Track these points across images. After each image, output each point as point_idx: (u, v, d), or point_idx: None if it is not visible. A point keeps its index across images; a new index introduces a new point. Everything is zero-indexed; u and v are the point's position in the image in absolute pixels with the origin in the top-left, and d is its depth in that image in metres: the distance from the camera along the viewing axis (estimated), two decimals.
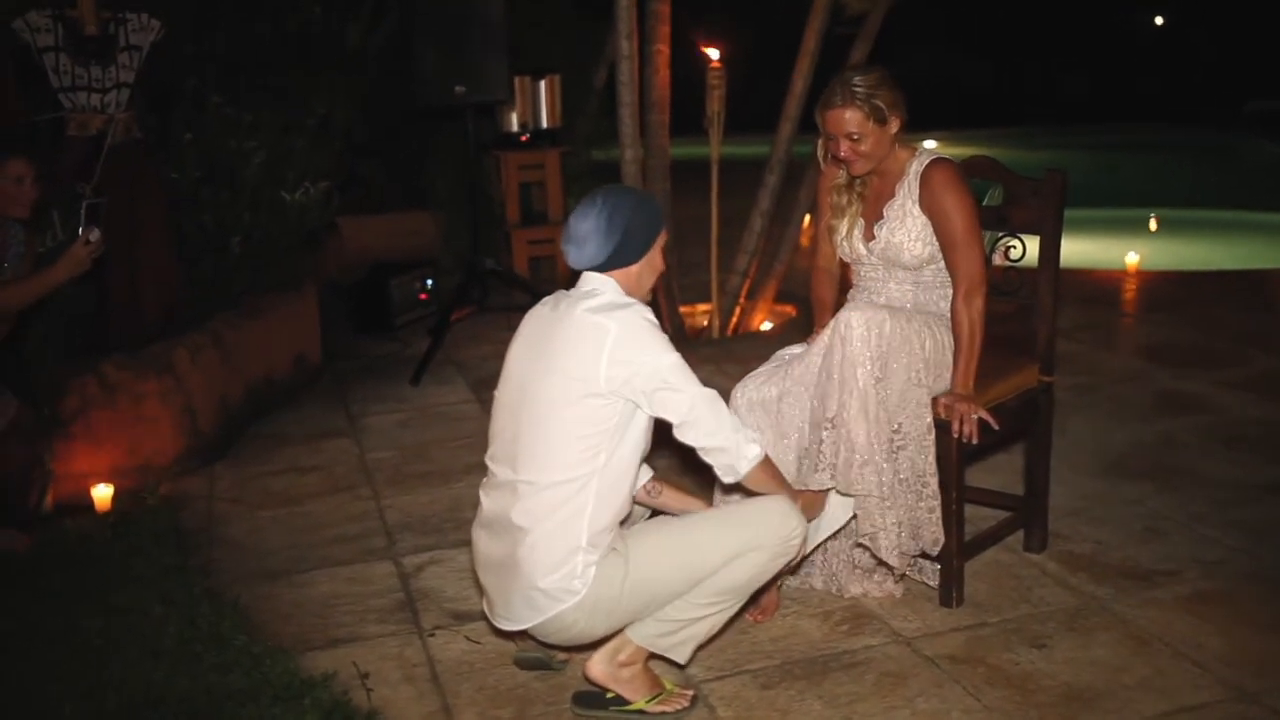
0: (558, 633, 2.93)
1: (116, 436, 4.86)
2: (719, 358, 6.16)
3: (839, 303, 3.68)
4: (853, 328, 3.22)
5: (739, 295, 7.00)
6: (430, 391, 5.92)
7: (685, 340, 6.74)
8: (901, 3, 7.20)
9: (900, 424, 3.31)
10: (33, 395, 4.64)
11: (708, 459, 2.96)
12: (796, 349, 3.62)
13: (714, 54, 6.59)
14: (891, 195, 3.49)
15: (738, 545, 2.91)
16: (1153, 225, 11.92)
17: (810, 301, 3.92)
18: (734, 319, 7.05)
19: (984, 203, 3.75)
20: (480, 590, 3.15)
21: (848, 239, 3.59)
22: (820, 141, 3.56)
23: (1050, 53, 25.36)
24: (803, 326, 6.93)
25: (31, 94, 5.16)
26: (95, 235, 4.13)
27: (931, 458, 3.36)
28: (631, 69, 6.27)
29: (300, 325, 6.19)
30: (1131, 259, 8.23)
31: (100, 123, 5.05)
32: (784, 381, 3.46)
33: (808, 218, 7.03)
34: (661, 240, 3.01)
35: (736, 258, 6.93)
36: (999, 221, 3.73)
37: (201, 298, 5.50)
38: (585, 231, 2.91)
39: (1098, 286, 7.85)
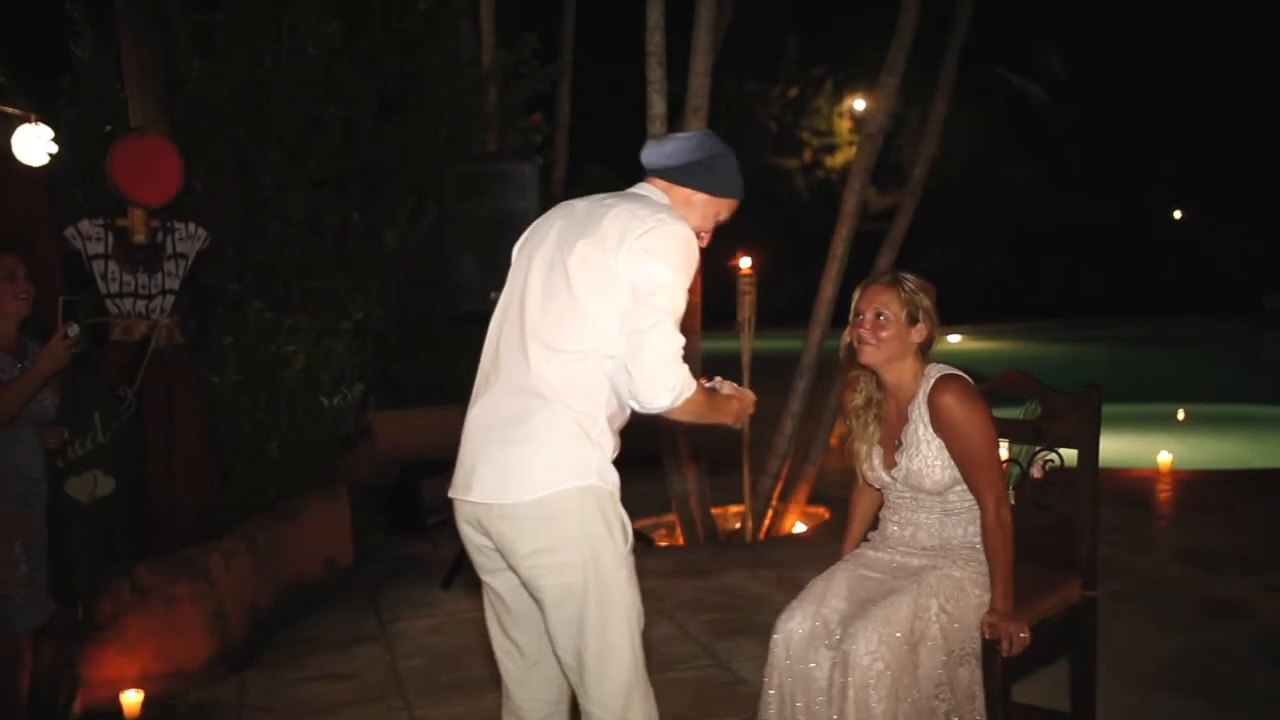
0: (531, 534, 2.69)
1: (148, 641, 4.83)
2: (752, 562, 6.12)
3: (876, 514, 3.68)
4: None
5: (771, 498, 7.00)
6: (462, 595, 5.86)
7: (717, 543, 6.71)
8: (923, 203, 7.38)
9: (939, 690, 3.27)
10: (69, 598, 4.64)
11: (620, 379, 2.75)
12: (830, 577, 3.58)
13: (745, 262, 6.72)
14: (906, 420, 3.46)
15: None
16: (1180, 416, 11.93)
17: (850, 512, 3.89)
18: (766, 521, 7.02)
19: (1021, 416, 3.77)
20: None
21: (870, 465, 3.57)
22: (844, 341, 3.56)
23: (1068, 248, 25.75)
24: (836, 530, 6.91)
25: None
26: (74, 330, 4.08)
27: (978, 679, 3.31)
28: None
29: (332, 528, 6.19)
30: (1164, 458, 8.20)
31: (144, 328, 5.15)
32: (813, 621, 3.41)
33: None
34: (726, 208, 2.96)
35: (768, 460, 6.95)
36: (1036, 435, 3.73)
37: (237, 501, 5.51)
38: (672, 139, 2.93)
39: (1130, 487, 7.80)
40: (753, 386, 6.68)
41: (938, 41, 7.38)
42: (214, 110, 7.44)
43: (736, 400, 3.05)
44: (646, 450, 8.19)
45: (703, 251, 2.83)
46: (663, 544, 7.00)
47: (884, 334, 3.39)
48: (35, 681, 4.25)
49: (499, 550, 2.77)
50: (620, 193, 2.93)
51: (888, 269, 3.48)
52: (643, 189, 2.92)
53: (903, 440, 3.45)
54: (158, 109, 5.96)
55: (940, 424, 3.35)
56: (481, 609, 2.98)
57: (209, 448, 5.39)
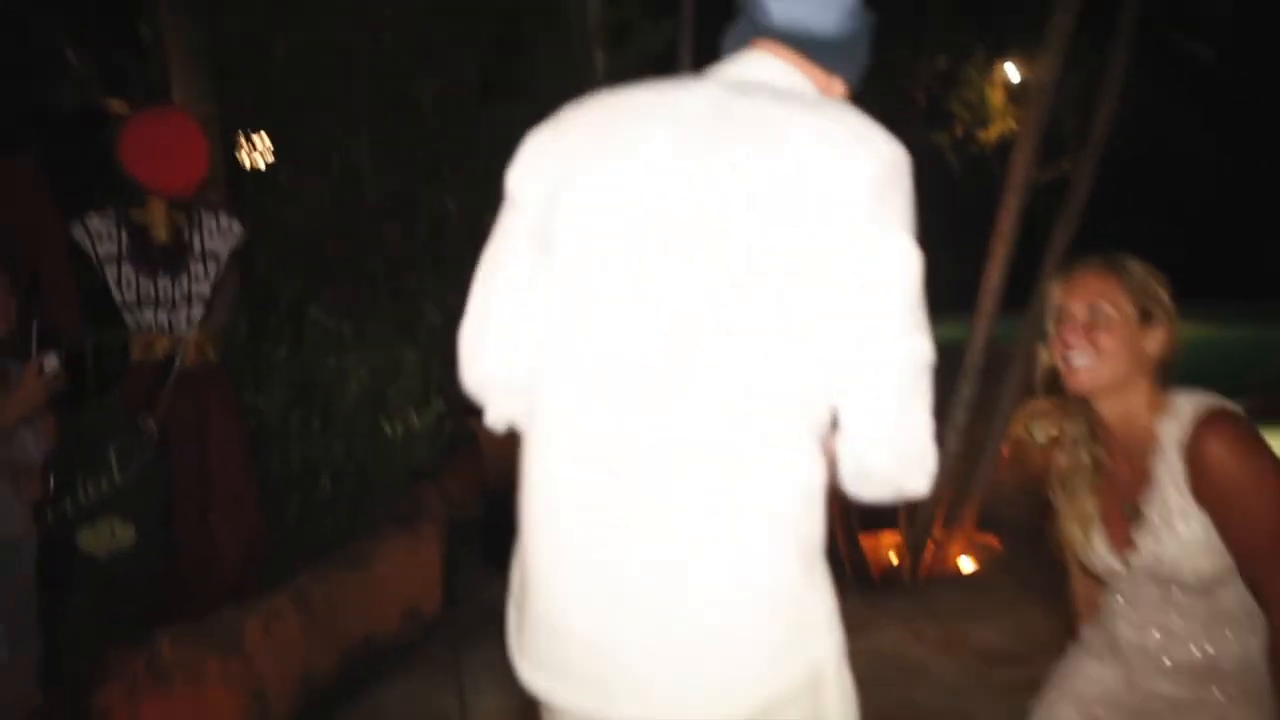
0: None
1: None
2: (912, 612, 5.00)
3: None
4: None
5: (931, 526, 5.83)
6: None
7: (870, 581, 5.60)
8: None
9: None
10: (66, 683, 3.78)
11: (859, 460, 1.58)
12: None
13: None
14: (1146, 479, 2.27)
15: None
16: None
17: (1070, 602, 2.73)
18: (926, 555, 5.87)
19: None
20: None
21: (1089, 547, 2.41)
22: (1043, 362, 2.42)
23: (1247, 220, 23.91)
24: (1010, 566, 5.75)
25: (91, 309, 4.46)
26: (52, 364, 3.23)
27: None
28: None
29: (413, 571, 5.23)
30: None
31: (168, 344, 4.26)
32: None
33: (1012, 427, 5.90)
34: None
35: None
36: None
37: (286, 548, 4.59)
38: None
39: None
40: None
41: None
42: (299, 94, 6.67)
43: None
44: None
45: None
46: None
47: (1104, 340, 2.25)
48: None
49: None
50: (741, 83, 1.66)
51: (1101, 255, 2.28)
52: (774, 70, 1.68)
53: (1145, 512, 2.27)
54: (201, 87, 5.17)
55: (1208, 488, 2.17)
56: None
57: (251, 485, 4.47)
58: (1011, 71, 26.23)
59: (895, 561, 5.97)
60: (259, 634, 4.15)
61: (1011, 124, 27.42)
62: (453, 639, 5.19)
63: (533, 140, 1.69)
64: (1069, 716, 2.40)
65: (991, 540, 6.15)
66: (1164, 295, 2.30)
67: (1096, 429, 2.39)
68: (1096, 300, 2.27)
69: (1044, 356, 2.41)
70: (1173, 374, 2.32)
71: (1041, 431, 2.50)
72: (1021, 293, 5.87)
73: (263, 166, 7.19)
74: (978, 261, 5.97)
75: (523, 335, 1.65)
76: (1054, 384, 2.38)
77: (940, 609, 5.02)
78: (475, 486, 6.55)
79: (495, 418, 1.77)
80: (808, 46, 1.69)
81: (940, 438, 5.09)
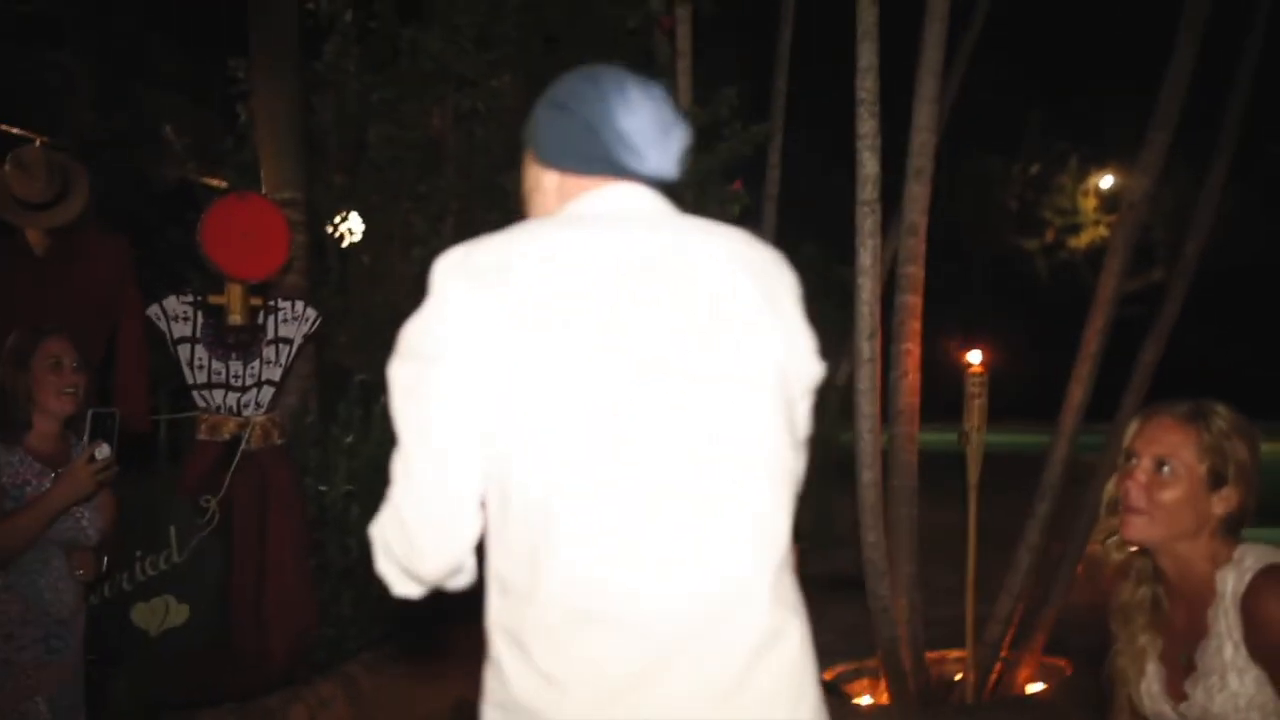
0: None
1: None
2: None
3: None
4: None
5: (1000, 646, 5.69)
6: None
7: (931, 701, 5.46)
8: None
9: None
10: None
11: None
12: None
13: (975, 357, 5.50)
14: (1203, 631, 2.18)
15: None
16: None
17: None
18: (994, 676, 5.72)
19: None
20: None
21: (1143, 691, 2.31)
22: (1108, 492, 2.36)
23: None
24: (1081, 690, 5.58)
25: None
26: (104, 451, 3.21)
27: None
28: (873, 374, 5.21)
29: (466, 662, 5.20)
30: None
31: (235, 426, 4.32)
32: None
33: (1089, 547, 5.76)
34: None
35: (998, 600, 5.66)
36: None
37: (338, 636, 4.59)
38: (671, 120, 1.76)
39: None
40: (981, 507, 5.64)
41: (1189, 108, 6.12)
42: (387, 177, 6.79)
43: None
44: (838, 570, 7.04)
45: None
46: (861, 700, 5.77)
47: (1165, 496, 2.16)
48: None
49: None
50: (659, 216, 1.77)
51: (1191, 400, 2.20)
52: (661, 204, 1.79)
53: (1199, 663, 2.18)
54: (290, 172, 5.28)
55: (1263, 644, 2.08)
56: None
57: (308, 571, 4.49)
58: (1105, 181, 25.98)
59: (959, 679, 5.83)
60: None
61: (1103, 231, 27.05)
62: None
63: (464, 296, 1.60)
64: None
65: (1062, 664, 5.99)
66: (1244, 453, 2.18)
67: (1159, 573, 2.31)
68: (1166, 455, 2.18)
69: (1110, 488, 2.34)
70: (1242, 529, 2.23)
71: (1119, 551, 2.42)
72: (1107, 404, 5.77)
73: (347, 246, 7.31)
74: (1061, 367, 5.90)
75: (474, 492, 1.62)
76: (1114, 513, 2.31)
77: None
78: None
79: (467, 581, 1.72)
80: (663, 184, 1.78)
81: (1013, 556, 4.97)
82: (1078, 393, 5.64)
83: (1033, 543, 5.63)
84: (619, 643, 1.54)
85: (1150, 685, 2.26)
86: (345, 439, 4.87)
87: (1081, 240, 26.52)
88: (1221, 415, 2.17)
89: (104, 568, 3.62)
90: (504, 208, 6.99)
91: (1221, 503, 2.16)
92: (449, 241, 6.31)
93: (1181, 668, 2.21)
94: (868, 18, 5.05)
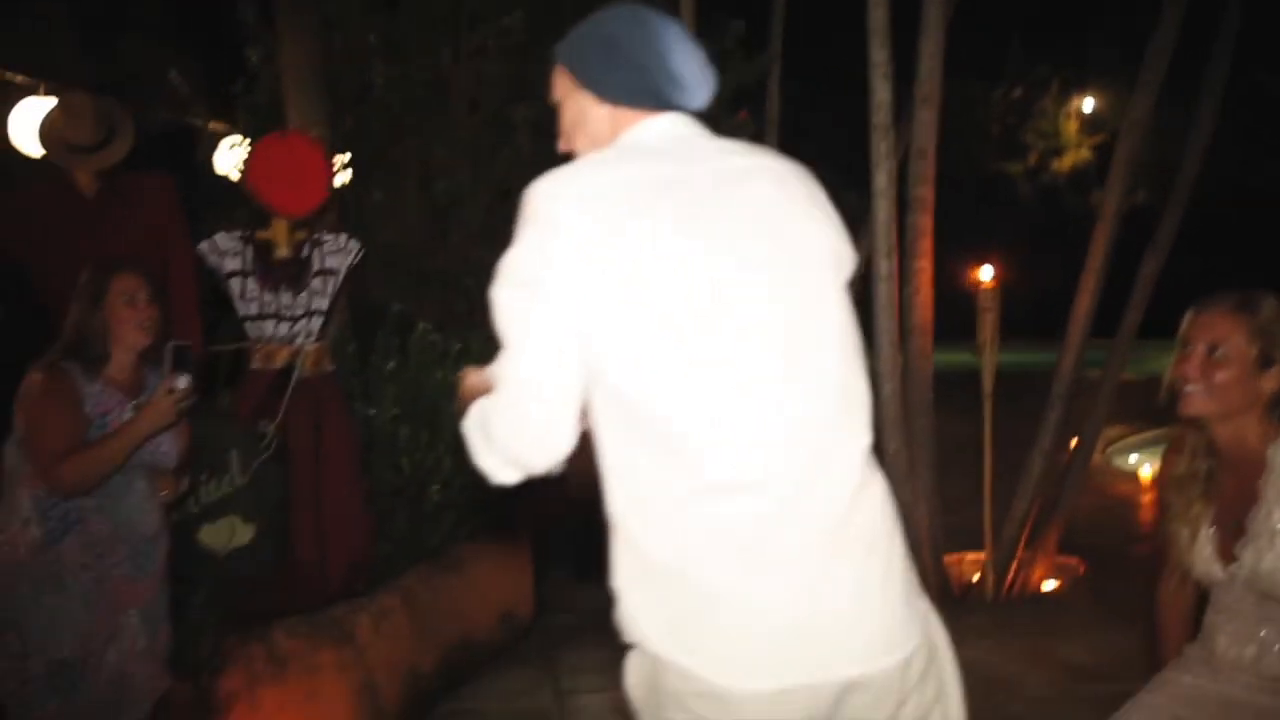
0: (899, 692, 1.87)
1: (285, 717, 4.15)
2: (997, 628, 5.11)
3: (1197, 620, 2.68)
4: None
5: (1016, 547, 5.95)
6: None
7: (953, 601, 5.72)
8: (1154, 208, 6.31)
9: None
10: (192, 671, 4.01)
11: None
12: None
13: (987, 273, 5.72)
14: (1254, 498, 2.45)
15: None
16: None
17: (1155, 610, 2.88)
18: (1010, 575, 5.99)
19: None
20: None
21: (1195, 554, 2.57)
22: (1166, 379, 2.59)
23: None
24: (1094, 587, 5.86)
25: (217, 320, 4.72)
26: (183, 382, 3.40)
27: None
28: (890, 291, 5.43)
29: (508, 577, 5.45)
30: None
31: (288, 354, 4.51)
32: None
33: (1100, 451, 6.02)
34: None
35: (1013, 503, 5.91)
36: None
37: (395, 551, 4.81)
38: (704, 59, 2.04)
39: None
40: (998, 414, 5.87)
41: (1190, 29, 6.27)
42: (396, 115, 6.92)
43: None
44: None
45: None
46: None
47: (1219, 376, 2.43)
48: None
49: None
50: (709, 148, 2.00)
51: (1236, 292, 2.45)
52: (697, 129, 2.02)
53: (1247, 526, 2.44)
54: (317, 111, 5.43)
55: None
56: None
57: (362, 490, 4.69)
58: (1087, 104, 26.00)
59: (977, 580, 6.09)
60: (369, 629, 4.38)
61: (1085, 154, 27.07)
62: (545, 643, 5.39)
63: (615, 205, 1.81)
64: (1155, 711, 2.55)
65: (1074, 562, 6.26)
66: None
67: (1214, 449, 2.55)
68: (1218, 340, 2.44)
69: (1167, 375, 2.58)
70: None
71: (1123, 459, 2.65)
72: (1106, 322, 6.00)
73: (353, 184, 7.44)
74: (1049, 286, 6.10)
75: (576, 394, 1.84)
76: (1173, 399, 2.55)
77: (1026, 626, 5.14)
78: (559, 499, 6.75)
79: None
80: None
81: (1026, 461, 5.24)
82: (1085, 302, 5.86)
83: (1044, 448, 5.88)
84: (740, 506, 1.78)
85: (1202, 549, 2.51)
86: (387, 366, 5.05)
87: (1064, 163, 26.62)
88: (1268, 303, 2.44)
89: (184, 488, 3.83)
90: (511, 141, 7.15)
91: (1271, 381, 2.42)
92: (468, 174, 6.48)
93: (1231, 533, 2.47)
94: None
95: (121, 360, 3.51)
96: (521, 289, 1.80)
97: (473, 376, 2.00)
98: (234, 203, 5.36)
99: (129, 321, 3.48)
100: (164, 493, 3.68)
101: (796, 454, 1.82)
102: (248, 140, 6.51)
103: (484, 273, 5.71)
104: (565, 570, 6.31)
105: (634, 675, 1.92)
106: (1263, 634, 2.48)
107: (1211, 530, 2.54)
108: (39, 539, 3.35)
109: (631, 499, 1.84)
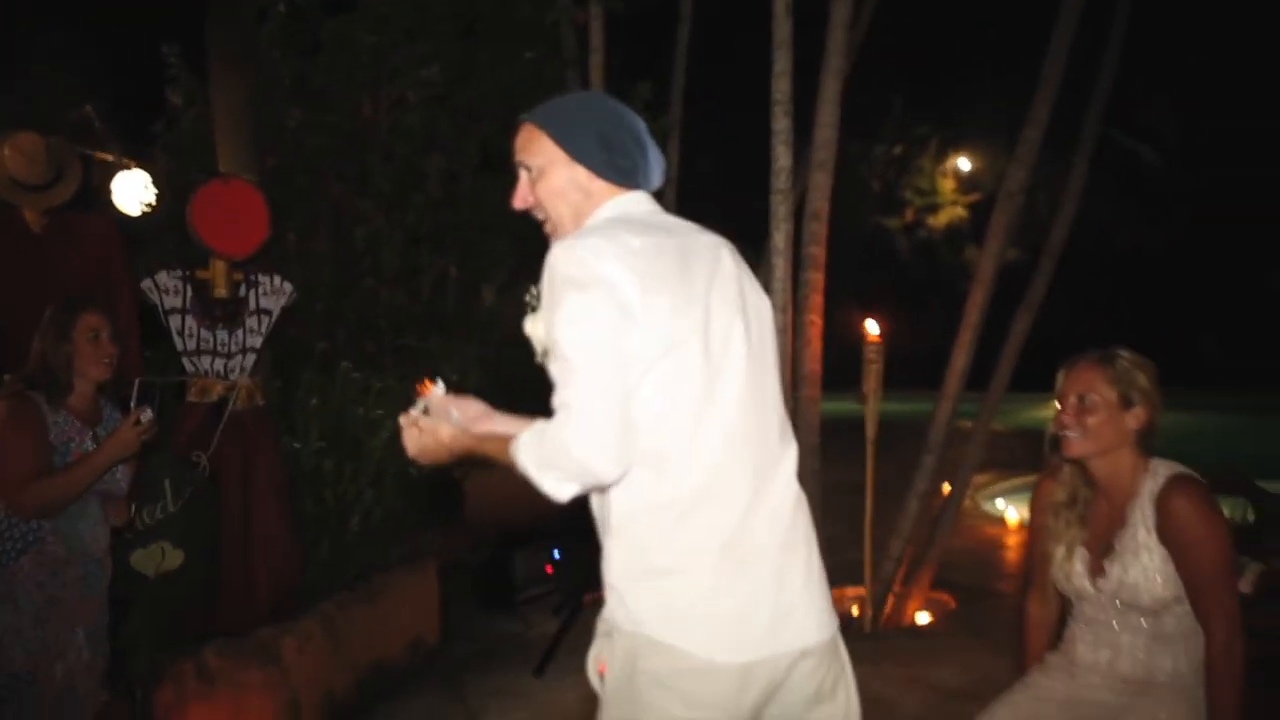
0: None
1: None
2: (875, 656, 5.53)
3: (1057, 634, 3.12)
4: None
5: (893, 583, 6.41)
6: (555, 685, 5.32)
7: None
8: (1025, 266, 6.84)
9: None
10: (128, 686, 4.23)
11: None
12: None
13: (873, 328, 6.18)
14: (1122, 523, 2.91)
15: None
16: None
17: (1022, 625, 3.31)
18: (887, 609, 6.43)
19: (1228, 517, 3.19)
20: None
21: (1067, 572, 3.02)
22: (1049, 432, 3.04)
23: (1183, 314, 24.86)
24: (965, 621, 6.32)
25: (154, 355, 4.94)
26: (147, 416, 3.66)
27: None
28: (785, 343, 5.84)
29: (418, 605, 5.74)
30: None
31: (222, 389, 4.77)
32: None
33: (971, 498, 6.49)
34: None
35: (890, 542, 6.37)
36: (1248, 543, 3.15)
37: (316, 579, 5.07)
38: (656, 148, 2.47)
39: None
40: (878, 459, 6.30)
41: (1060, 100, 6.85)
42: (311, 160, 7.17)
43: None
44: None
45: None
46: None
47: (1090, 420, 2.90)
48: None
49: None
50: (683, 225, 2.43)
51: (1099, 349, 2.93)
52: (656, 206, 2.46)
53: (1116, 546, 2.90)
54: (248, 156, 5.66)
55: (1171, 533, 2.81)
56: (576, 705, 2.42)
57: (287, 520, 4.95)
58: (963, 163, 26.94)
59: (856, 613, 6.52)
60: (295, 651, 4.63)
61: (960, 211, 27.99)
62: (451, 667, 5.67)
63: (647, 269, 2.20)
64: (1017, 707, 2.98)
65: (947, 599, 6.72)
66: (1144, 381, 2.91)
67: (1090, 480, 3.01)
68: (1085, 390, 2.91)
69: (1050, 427, 3.04)
70: (1154, 441, 2.93)
71: (990, 504, 3.11)
72: (975, 375, 6.49)
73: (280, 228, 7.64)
74: (922, 338, 6.56)
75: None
76: (1055, 448, 3.01)
77: (901, 654, 5.56)
78: (461, 533, 7.06)
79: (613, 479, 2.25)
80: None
81: (904, 505, 5.67)
82: (960, 358, 6.34)
83: (920, 490, 6.34)
84: (718, 513, 2.22)
85: (1074, 566, 2.97)
86: (311, 401, 5.32)
87: (940, 219, 27.61)
88: (1124, 355, 2.92)
89: (132, 513, 4.07)
90: (423, 189, 7.44)
91: (1133, 419, 2.88)
92: (378, 218, 6.72)
93: (1100, 553, 2.93)
94: (783, 29, 5.66)
95: (83, 392, 3.74)
96: (587, 327, 2.13)
97: (455, 433, 2.36)
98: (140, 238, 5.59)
99: (91, 357, 3.71)
100: (116, 519, 3.91)
101: (757, 468, 2.26)
102: (169, 179, 6.73)
103: (396, 314, 6.02)
104: (465, 601, 6.60)
105: (609, 662, 2.26)
106: (1119, 639, 2.93)
107: (1083, 550, 2.98)
108: None
109: (632, 510, 2.22)
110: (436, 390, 2.48)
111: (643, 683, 2.19)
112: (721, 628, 2.18)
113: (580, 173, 2.36)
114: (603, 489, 2.24)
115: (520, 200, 2.43)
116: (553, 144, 2.37)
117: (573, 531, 7.15)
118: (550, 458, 2.14)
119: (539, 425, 2.19)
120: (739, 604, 2.19)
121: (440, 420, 2.39)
